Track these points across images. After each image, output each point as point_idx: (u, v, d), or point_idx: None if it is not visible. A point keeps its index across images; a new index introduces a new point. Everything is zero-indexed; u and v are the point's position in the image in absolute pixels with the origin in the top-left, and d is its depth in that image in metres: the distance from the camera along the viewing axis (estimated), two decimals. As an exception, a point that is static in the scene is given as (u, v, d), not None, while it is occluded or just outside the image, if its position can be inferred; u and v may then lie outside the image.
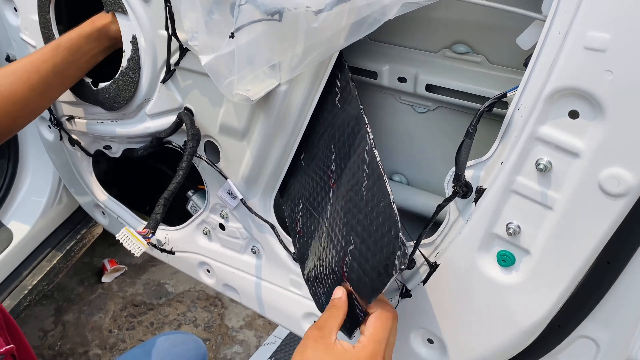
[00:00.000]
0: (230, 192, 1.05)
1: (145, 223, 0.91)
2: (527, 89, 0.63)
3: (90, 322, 2.06)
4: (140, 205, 1.41)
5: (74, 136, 1.29)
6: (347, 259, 0.78)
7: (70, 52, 1.02)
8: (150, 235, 0.85)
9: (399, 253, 0.68)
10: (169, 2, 0.86)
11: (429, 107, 0.90)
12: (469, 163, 0.72)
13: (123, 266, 2.26)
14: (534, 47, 0.62)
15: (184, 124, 1.00)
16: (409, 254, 0.85)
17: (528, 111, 0.64)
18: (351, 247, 0.78)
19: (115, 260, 2.26)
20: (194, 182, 1.21)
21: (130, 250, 0.83)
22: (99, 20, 1.03)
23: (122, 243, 0.83)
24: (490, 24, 0.78)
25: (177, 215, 1.26)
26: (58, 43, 1.01)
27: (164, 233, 1.26)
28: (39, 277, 1.51)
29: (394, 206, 0.70)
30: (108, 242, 2.37)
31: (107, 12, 1.01)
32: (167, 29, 0.91)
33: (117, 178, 1.47)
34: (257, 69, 0.79)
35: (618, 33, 0.54)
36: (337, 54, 0.80)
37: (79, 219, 1.68)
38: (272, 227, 1.04)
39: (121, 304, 2.13)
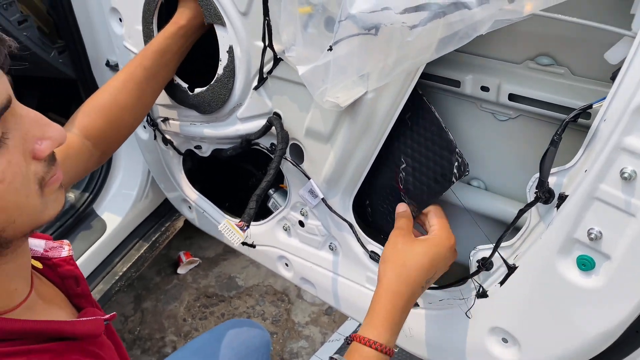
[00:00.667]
0: (312, 192, 1.12)
1: (230, 217, 1.00)
2: (614, 102, 0.66)
3: (166, 311, 2.20)
4: (220, 201, 1.50)
5: (167, 136, 1.40)
6: (400, 174, 0.99)
7: (160, 55, 1.12)
8: (245, 227, 0.94)
9: (456, 164, 0.89)
10: (268, 17, 0.94)
11: (510, 115, 0.94)
12: (552, 170, 0.76)
13: (197, 259, 2.39)
14: (621, 62, 0.65)
15: (273, 127, 1.08)
16: (489, 256, 0.90)
17: (614, 122, 0.67)
18: (403, 166, 0.99)
19: (190, 253, 2.39)
20: (275, 181, 1.29)
21: (229, 240, 0.92)
22: (181, 18, 1.11)
23: (223, 233, 0.92)
24: (574, 37, 0.81)
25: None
26: (147, 48, 1.11)
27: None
28: (128, 265, 1.65)
29: (446, 129, 0.91)
30: (184, 235, 2.52)
31: (206, 24, 1.10)
32: (264, 40, 0.99)
33: (201, 175, 1.58)
34: (348, 78, 0.86)
35: None
36: (424, 65, 0.85)
37: (163, 212, 1.81)
38: (351, 225, 1.10)
39: (195, 295, 2.26)
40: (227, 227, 0.91)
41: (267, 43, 0.98)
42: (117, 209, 1.68)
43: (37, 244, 0.79)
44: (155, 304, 2.23)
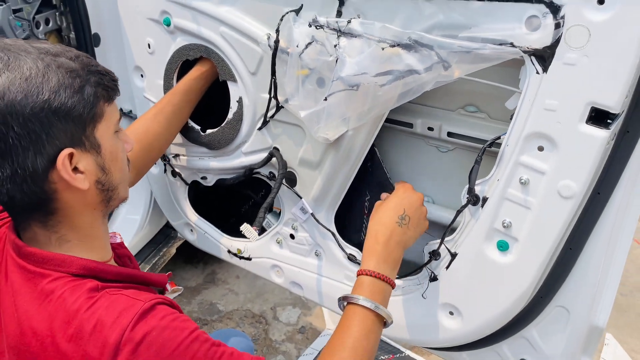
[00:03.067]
0: (302, 209, 1.44)
1: (228, 236, 1.28)
2: (512, 133, 1.03)
3: (153, 334, 2.40)
4: (218, 223, 1.78)
5: (176, 169, 1.70)
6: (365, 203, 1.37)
7: (186, 93, 1.45)
8: (257, 231, 1.24)
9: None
10: (274, 76, 1.29)
11: (449, 147, 1.31)
12: (477, 181, 1.11)
13: (181, 287, 2.62)
14: (515, 108, 1.02)
15: (273, 158, 1.41)
16: (437, 247, 1.23)
17: (513, 146, 1.03)
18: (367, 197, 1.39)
19: (174, 282, 2.63)
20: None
21: (248, 237, 1.22)
22: (203, 66, 1.46)
23: (243, 232, 1.23)
24: (490, 93, 1.20)
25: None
26: (175, 88, 1.45)
27: (243, 244, 1.64)
28: (133, 283, 1.89)
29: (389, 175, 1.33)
30: (167, 268, 2.75)
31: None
32: (269, 93, 1.33)
33: (201, 202, 1.87)
34: (335, 120, 1.20)
35: (561, 100, 0.95)
36: (388, 111, 1.21)
37: (160, 240, 2.07)
38: (333, 234, 1.42)
39: (179, 320, 2.48)
40: (247, 228, 1.22)
41: (272, 94, 1.32)
42: (125, 234, 1.93)
43: None
44: (143, 328, 2.43)
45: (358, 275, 1.08)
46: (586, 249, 1.10)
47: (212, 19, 1.36)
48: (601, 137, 0.93)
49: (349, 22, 1.08)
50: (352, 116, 1.20)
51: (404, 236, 1.11)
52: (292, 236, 1.53)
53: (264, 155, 1.44)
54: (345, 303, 1.05)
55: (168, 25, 1.46)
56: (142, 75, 1.66)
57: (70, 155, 0.83)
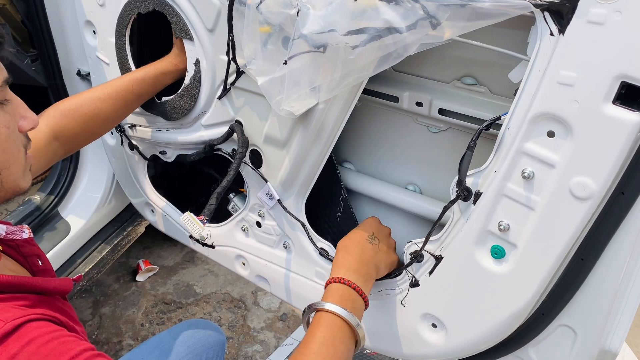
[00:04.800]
0: (269, 194, 1.24)
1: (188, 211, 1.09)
2: (515, 113, 0.81)
3: (124, 316, 2.24)
4: (182, 205, 1.59)
5: (133, 142, 1.49)
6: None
7: (154, 85, 1.25)
8: (205, 221, 1.04)
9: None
10: (232, 33, 1.06)
11: (440, 127, 1.08)
12: (469, 172, 0.89)
13: (156, 267, 2.44)
14: (521, 81, 0.80)
15: (235, 134, 1.19)
16: (420, 248, 1.02)
17: (516, 130, 0.81)
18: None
19: (149, 261, 2.45)
20: (235, 185, 1.40)
21: (190, 231, 1.02)
22: (180, 62, 1.24)
23: (185, 224, 1.01)
24: (491, 62, 0.96)
25: (216, 215, 1.45)
26: (143, 77, 1.22)
27: (206, 229, 1.44)
28: (90, 266, 1.70)
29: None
30: (144, 245, 2.57)
31: (176, 37, 1.22)
32: (227, 54, 1.10)
33: (164, 181, 1.67)
34: (301, 90, 0.98)
35: (582, 72, 0.72)
36: (366, 80, 0.99)
37: (125, 218, 1.88)
38: (303, 225, 1.22)
39: (153, 301, 2.31)
40: (188, 219, 1.01)
41: (230, 57, 1.10)
42: (81, 212, 1.74)
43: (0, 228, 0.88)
44: (114, 309, 2.27)
45: (326, 286, 0.95)
46: (602, 260, 0.88)
47: (163, -37, 1.13)
48: (632, 122, 0.71)
49: (314, -37, 0.85)
50: (322, 86, 0.97)
51: (376, 255, 1.02)
52: (258, 224, 1.32)
53: (226, 129, 1.23)
54: (311, 314, 0.92)
55: (116, -29, 1.24)
56: (94, 32, 1.44)
57: None
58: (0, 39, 0.71)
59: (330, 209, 1.27)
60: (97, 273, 1.75)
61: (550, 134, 0.79)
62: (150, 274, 2.42)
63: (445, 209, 0.94)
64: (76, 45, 1.57)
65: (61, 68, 1.63)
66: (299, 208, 1.22)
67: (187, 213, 1.02)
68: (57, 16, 1.55)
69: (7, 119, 0.74)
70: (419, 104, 1.07)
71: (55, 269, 1.64)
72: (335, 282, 0.96)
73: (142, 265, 2.40)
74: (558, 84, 0.74)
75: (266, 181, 1.22)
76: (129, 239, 1.87)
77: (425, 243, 1.01)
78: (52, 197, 1.70)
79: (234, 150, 1.26)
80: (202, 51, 1.18)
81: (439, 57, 1.02)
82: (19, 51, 1.55)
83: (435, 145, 1.11)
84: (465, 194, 0.91)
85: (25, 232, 0.90)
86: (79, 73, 1.64)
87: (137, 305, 2.30)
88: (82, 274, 0.84)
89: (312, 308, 0.93)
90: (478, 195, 0.89)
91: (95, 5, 1.36)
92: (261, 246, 1.35)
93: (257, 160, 1.23)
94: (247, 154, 1.22)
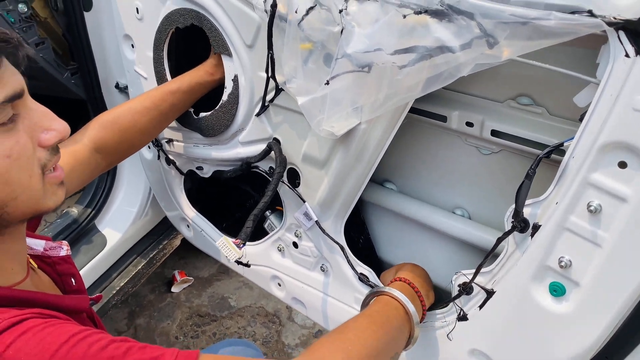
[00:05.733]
0: (306, 214, 1.18)
1: (227, 236, 1.05)
2: (581, 141, 0.73)
3: (159, 328, 2.23)
4: (217, 221, 1.56)
5: (170, 156, 1.47)
6: None
7: (188, 95, 1.21)
8: (241, 245, 0.99)
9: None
10: (272, 50, 1.02)
11: (493, 149, 1.01)
12: (527, 201, 0.82)
13: (191, 278, 2.43)
14: (588, 105, 0.72)
15: (272, 152, 1.15)
16: (469, 280, 0.95)
17: (581, 159, 0.73)
18: None
19: (184, 272, 2.43)
20: (271, 203, 1.35)
21: (226, 256, 0.97)
22: (216, 72, 1.21)
23: (220, 249, 0.97)
24: (551, 81, 0.89)
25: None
26: (178, 87, 1.19)
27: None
28: (126, 280, 1.69)
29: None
30: (179, 255, 2.56)
31: (215, 53, 1.18)
32: (267, 72, 1.06)
33: (200, 196, 1.64)
34: (343, 110, 0.93)
35: (662, 98, 0.64)
36: (412, 100, 0.93)
37: (161, 231, 1.86)
38: (342, 248, 1.16)
39: (187, 313, 2.29)
40: (224, 244, 0.96)
41: (270, 74, 1.05)
42: (118, 226, 1.73)
43: (38, 244, 0.85)
44: (149, 320, 2.26)
45: (381, 293, 0.98)
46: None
47: (203, -23, 1.10)
48: None
49: (360, -22, 0.79)
50: (365, 106, 0.92)
51: (430, 292, 1.03)
52: (295, 245, 1.27)
53: (263, 146, 1.19)
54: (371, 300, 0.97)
55: (156, -16, 1.21)
56: (132, 46, 1.42)
57: None
58: (14, 41, 0.63)
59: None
60: (133, 287, 1.74)
61: (622, 165, 0.71)
62: (185, 285, 2.41)
63: (500, 240, 0.87)
64: (115, 58, 1.56)
65: (100, 81, 1.62)
66: (337, 230, 1.16)
67: (223, 238, 0.97)
68: (96, 30, 1.54)
69: (10, 144, 0.63)
70: (469, 124, 1.00)
71: (91, 282, 1.64)
72: (398, 280, 0.98)
73: (178, 277, 2.39)
74: (634, 110, 0.66)
75: (304, 201, 1.17)
76: (165, 252, 1.85)
77: (475, 275, 0.93)
78: (89, 210, 1.70)
79: (271, 168, 1.22)
80: (240, 67, 1.14)
81: (492, 74, 0.95)
82: (59, 64, 1.55)
83: (486, 168, 1.03)
84: (522, 225, 0.83)
85: (64, 249, 0.87)
86: (117, 86, 1.64)
87: (172, 317, 2.28)
88: (101, 294, 0.82)
89: (373, 293, 0.98)
90: (537, 227, 0.82)
91: (134, 20, 1.34)
92: (298, 268, 1.30)
93: (294, 179, 1.18)
94: (285, 173, 1.18)
